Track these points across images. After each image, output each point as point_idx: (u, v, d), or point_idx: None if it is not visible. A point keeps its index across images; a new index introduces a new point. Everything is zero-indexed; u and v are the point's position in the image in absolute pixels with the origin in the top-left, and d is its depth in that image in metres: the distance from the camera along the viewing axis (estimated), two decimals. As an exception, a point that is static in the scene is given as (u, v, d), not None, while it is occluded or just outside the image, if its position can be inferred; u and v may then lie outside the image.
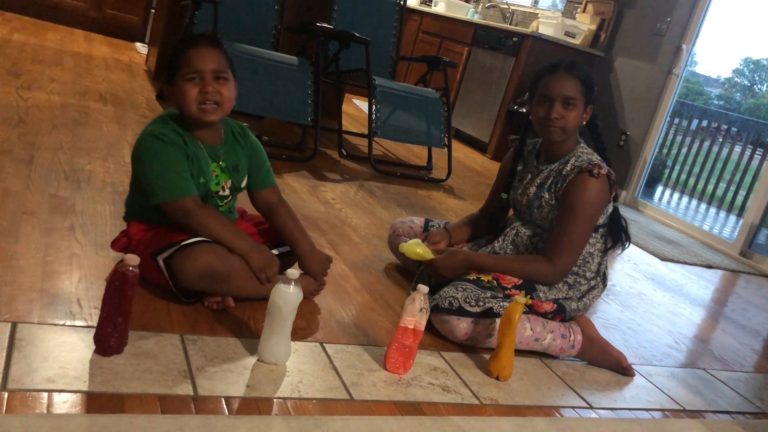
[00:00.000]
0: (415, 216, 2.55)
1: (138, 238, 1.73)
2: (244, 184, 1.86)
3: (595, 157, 1.99)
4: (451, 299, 1.86)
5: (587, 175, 1.93)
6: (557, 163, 2.03)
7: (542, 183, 2.04)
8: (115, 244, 1.79)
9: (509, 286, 1.93)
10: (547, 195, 2.01)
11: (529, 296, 1.91)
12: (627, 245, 2.09)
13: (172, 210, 1.66)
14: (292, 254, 1.90)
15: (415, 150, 4.79)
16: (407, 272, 2.32)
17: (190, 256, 1.61)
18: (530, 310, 1.94)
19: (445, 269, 1.99)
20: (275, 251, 1.86)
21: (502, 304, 1.86)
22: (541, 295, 1.96)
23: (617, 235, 2.08)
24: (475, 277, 1.94)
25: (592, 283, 2.05)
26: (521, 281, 1.95)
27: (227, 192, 1.81)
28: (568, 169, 1.98)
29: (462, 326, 1.85)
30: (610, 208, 2.06)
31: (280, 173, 3.20)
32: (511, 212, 2.24)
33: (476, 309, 1.85)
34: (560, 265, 1.94)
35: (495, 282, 1.93)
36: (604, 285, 2.10)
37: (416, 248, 2.05)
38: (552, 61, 2.03)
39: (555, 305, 1.96)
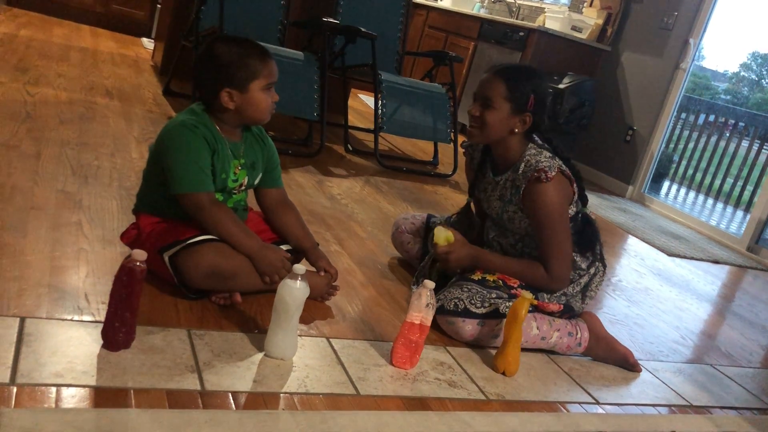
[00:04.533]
0: (419, 212, 2.55)
1: (148, 230, 1.74)
2: (256, 182, 1.87)
3: (543, 157, 1.90)
4: (456, 300, 1.85)
5: (537, 183, 1.88)
6: (509, 171, 1.99)
7: (502, 195, 2.01)
8: (125, 237, 1.80)
9: (515, 286, 1.92)
10: (511, 208, 1.99)
11: (534, 296, 1.90)
12: (601, 263, 2.04)
13: (188, 203, 1.67)
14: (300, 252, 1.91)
15: (421, 145, 4.78)
16: (413, 268, 2.32)
17: (195, 256, 1.62)
18: (537, 310, 1.93)
19: (456, 260, 1.96)
20: (286, 246, 1.86)
21: (507, 304, 1.85)
22: (545, 296, 1.95)
23: (587, 245, 2.00)
24: (480, 277, 1.93)
25: (592, 270, 2.03)
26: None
27: (243, 188, 1.82)
28: (520, 176, 1.94)
29: (468, 328, 1.84)
30: (578, 210, 1.99)
31: (286, 168, 3.20)
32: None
33: (482, 310, 1.85)
34: (556, 273, 1.92)
35: (501, 282, 1.92)
36: (604, 267, 2.06)
37: (444, 233, 2.01)
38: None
39: (562, 306, 1.95)
